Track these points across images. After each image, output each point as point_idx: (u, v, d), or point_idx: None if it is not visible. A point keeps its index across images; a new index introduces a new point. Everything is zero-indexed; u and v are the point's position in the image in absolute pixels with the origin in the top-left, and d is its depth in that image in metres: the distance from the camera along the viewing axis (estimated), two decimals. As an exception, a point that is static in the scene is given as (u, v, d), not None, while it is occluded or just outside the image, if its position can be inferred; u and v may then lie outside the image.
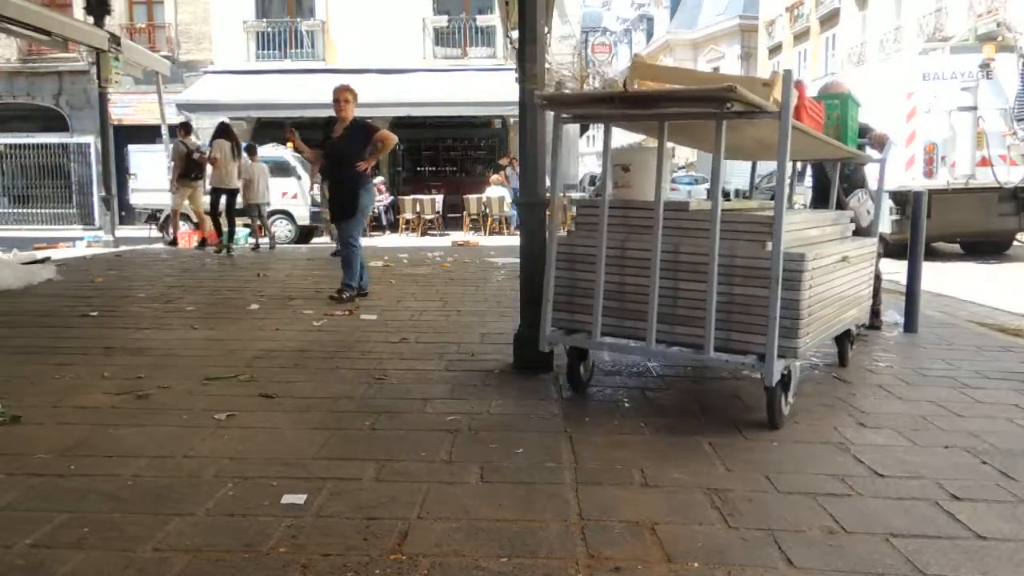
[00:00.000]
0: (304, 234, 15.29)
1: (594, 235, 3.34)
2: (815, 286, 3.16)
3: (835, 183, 4.63)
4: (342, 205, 6.30)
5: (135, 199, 16.53)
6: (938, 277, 8.20)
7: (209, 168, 10.97)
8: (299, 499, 2.33)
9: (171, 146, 12.18)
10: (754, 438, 2.94)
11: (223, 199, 10.86)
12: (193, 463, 2.65)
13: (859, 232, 4.54)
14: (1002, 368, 4.14)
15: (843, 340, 4.07)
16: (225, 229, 10.96)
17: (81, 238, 13.65)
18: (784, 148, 2.87)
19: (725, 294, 3.09)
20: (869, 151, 4.87)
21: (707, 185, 19.34)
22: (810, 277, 3.07)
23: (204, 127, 21.05)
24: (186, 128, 11.74)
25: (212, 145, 10.87)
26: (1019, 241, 11.78)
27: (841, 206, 4.78)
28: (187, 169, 11.37)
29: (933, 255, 9.94)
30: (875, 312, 5.09)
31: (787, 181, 4.04)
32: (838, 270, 3.52)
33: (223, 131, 11.10)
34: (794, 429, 3.07)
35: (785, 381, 3.07)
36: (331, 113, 6.46)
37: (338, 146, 6.20)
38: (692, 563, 1.97)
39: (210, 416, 3.16)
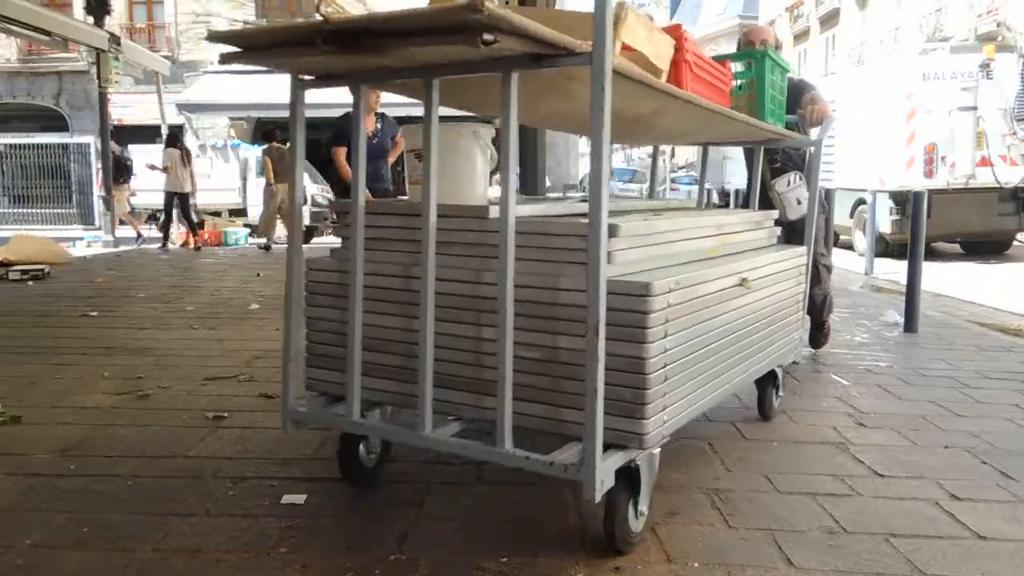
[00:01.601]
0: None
1: (376, 252, 2.30)
2: (679, 331, 2.08)
3: (757, 173, 3.68)
4: None
5: (135, 199, 16.52)
6: (938, 277, 8.20)
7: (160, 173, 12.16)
8: (299, 499, 2.33)
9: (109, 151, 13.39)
10: (754, 438, 2.94)
11: (175, 202, 12.00)
12: (193, 463, 2.65)
13: (786, 227, 3.58)
14: (1002, 368, 4.14)
15: (765, 385, 3.13)
16: (184, 228, 12.27)
17: (81, 238, 13.65)
18: (599, 113, 1.69)
19: (544, 348, 2.03)
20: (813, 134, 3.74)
21: (708, 185, 19.29)
22: (662, 319, 1.98)
23: (204, 127, 21.10)
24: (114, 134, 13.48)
25: (164, 153, 12.01)
26: (1019, 241, 11.79)
27: (767, 198, 3.88)
28: (117, 174, 12.97)
29: (933, 255, 9.95)
30: (819, 326, 4.35)
31: (644, 171, 3.80)
32: (734, 299, 2.48)
33: (172, 140, 12.24)
34: (794, 429, 3.07)
35: (631, 484, 2.00)
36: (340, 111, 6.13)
37: (372, 143, 5.95)
38: (692, 563, 1.97)
39: (210, 416, 3.16)
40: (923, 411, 3.32)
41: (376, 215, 2.32)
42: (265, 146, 12.17)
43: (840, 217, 10.36)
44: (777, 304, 2.94)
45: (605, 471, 1.85)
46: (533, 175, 5.30)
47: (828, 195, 8.04)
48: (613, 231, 1.98)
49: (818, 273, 4.09)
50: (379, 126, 6.05)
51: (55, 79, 21.75)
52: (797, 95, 3.57)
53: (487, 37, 1.56)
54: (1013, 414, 3.30)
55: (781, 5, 30.96)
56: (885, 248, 10.39)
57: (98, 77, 12.70)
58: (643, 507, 2.06)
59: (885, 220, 10.49)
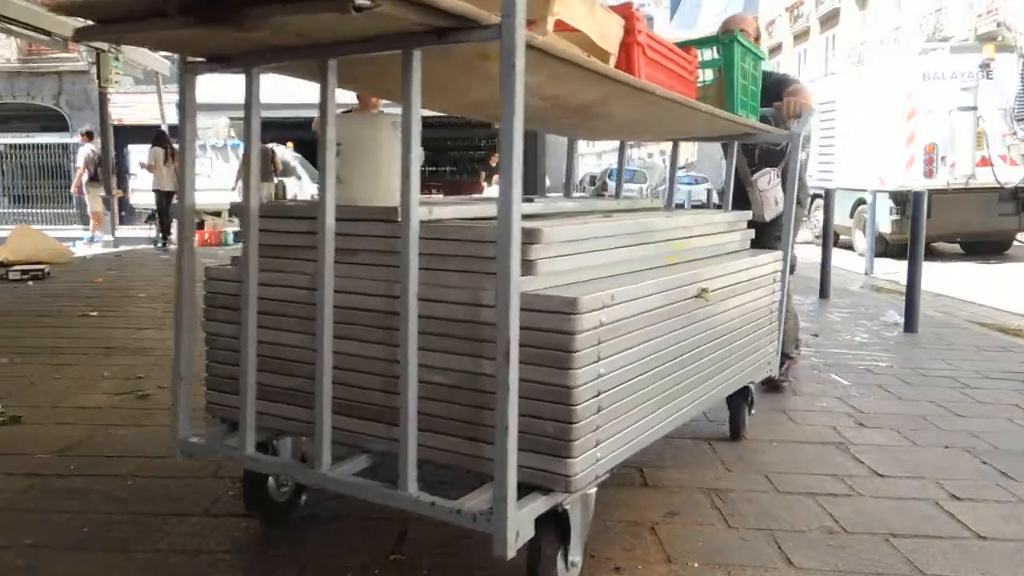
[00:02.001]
0: None
1: (279, 261, 2.02)
2: (618, 352, 1.80)
3: (730, 170, 3.48)
4: None
5: (135, 199, 16.54)
6: (938, 277, 8.20)
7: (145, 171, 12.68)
8: (299, 499, 2.33)
9: (81, 151, 13.63)
10: (754, 438, 2.94)
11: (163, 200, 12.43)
12: (193, 463, 2.64)
13: (759, 228, 3.22)
14: (1002, 368, 4.14)
15: (737, 403, 2.89)
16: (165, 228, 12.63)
17: (81, 238, 13.64)
18: (510, 96, 1.41)
19: (461, 373, 1.76)
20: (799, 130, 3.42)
21: (708, 185, 19.34)
22: (593, 340, 1.69)
23: (204, 127, 21.08)
24: (89, 135, 13.52)
25: (149, 152, 12.42)
26: (1019, 241, 11.79)
27: (744, 195, 3.64)
28: (93, 173, 13.23)
29: (933, 255, 9.95)
30: (783, 361, 3.62)
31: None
32: (692, 311, 2.19)
33: (158, 139, 12.54)
34: (794, 429, 3.07)
35: (560, 531, 1.73)
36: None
37: None
38: (692, 563, 1.97)
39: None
40: (923, 411, 3.32)
41: (278, 218, 2.03)
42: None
43: (840, 217, 10.36)
44: (748, 315, 2.65)
45: (522, 520, 1.57)
46: (533, 176, 5.30)
47: (828, 194, 8.08)
48: (533, 236, 1.70)
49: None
50: None
51: (55, 79, 21.74)
52: (779, 90, 3.38)
53: (359, 1, 1.26)
54: (1013, 414, 3.30)
55: (781, 5, 30.96)
56: (885, 248, 10.39)
57: (98, 77, 12.71)
58: (575, 557, 1.76)
59: (885, 220, 10.49)
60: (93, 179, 13.25)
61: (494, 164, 17.57)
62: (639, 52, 2.10)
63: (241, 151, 16.99)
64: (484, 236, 1.75)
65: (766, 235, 3.42)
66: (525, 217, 1.74)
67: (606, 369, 1.76)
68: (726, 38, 2.89)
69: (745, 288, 2.62)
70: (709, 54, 2.86)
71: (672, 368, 2.11)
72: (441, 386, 1.78)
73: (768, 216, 3.54)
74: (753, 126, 2.95)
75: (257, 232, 1.90)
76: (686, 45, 2.70)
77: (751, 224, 3.03)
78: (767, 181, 3.60)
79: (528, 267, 1.69)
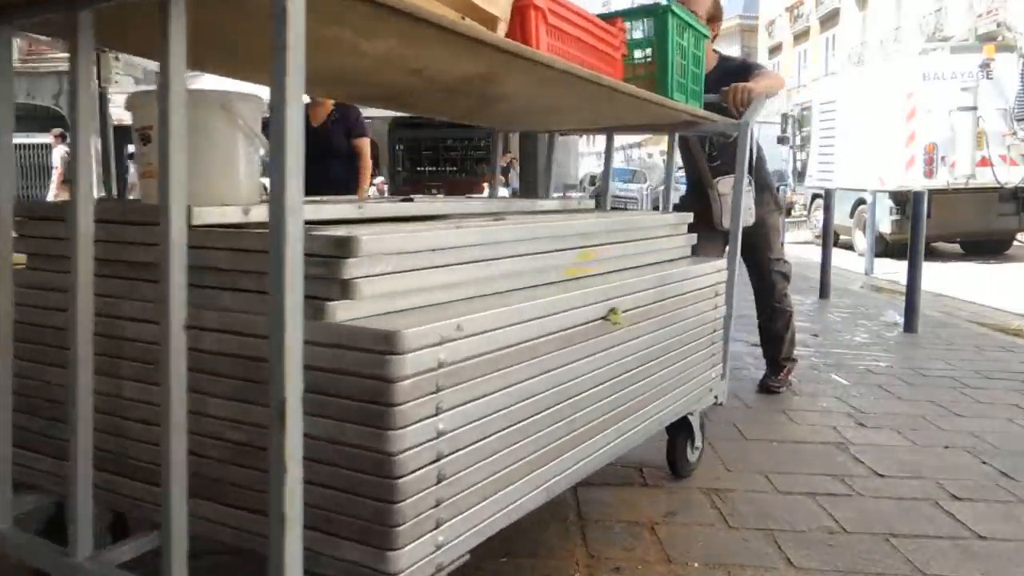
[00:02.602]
0: None
1: (48, 275, 1.60)
2: (475, 399, 1.40)
3: (670, 165, 3.12)
4: None
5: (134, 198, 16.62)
6: (938, 277, 8.20)
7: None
8: None
9: (57, 152, 13.85)
10: (754, 438, 2.94)
11: None
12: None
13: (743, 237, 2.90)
14: (1002, 368, 4.14)
15: (676, 436, 2.49)
16: None
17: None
18: (280, 50, 1.02)
19: (254, 429, 1.34)
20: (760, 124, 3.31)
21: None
22: (429, 387, 1.29)
23: (204, 127, 21.11)
24: (63, 136, 14.07)
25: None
26: (1019, 241, 11.79)
27: (701, 195, 3.36)
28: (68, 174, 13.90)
29: (933, 255, 9.96)
30: (776, 365, 3.62)
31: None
32: (597, 337, 1.80)
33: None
34: (794, 429, 3.07)
35: None
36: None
37: (321, 137, 4.78)
38: (692, 563, 1.97)
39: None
40: (923, 411, 3.32)
41: (45, 221, 1.61)
42: None
43: (840, 217, 10.36)
44: (684, 335, 2.25)
45: None
46: (533, 176, 5.29)
47: (828, 194, 8.08)
48: (347, 248, 1.27)
49: (773, 285, 3.53)
50: (335, 117, 4.84)
51: (55, 79, 21.74)
52: (741, 77, 3.06)
53: None
54: (1013, 414, 3.30)
55: (781, 5, 30.97)
56: (885, 248, 10.39)
57: (98, 77, 12.75)
58: None
59: (885, 220, 10.49)
60: (66, 181, 13.60)
61: (505, 164, 17.57)
62: (537, 18, 1.72)
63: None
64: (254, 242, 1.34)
65: (747, 245, 3.11)
66: (349, 223, 1.47)
67: (450, 424, 1.32)
68: (659, 7, 2.40)
69: (679, 304, 2.20)
70: (640, 32, 2.43)
71: (562, 412, 1.66)
72: (228, 444, 1.37)
73: (729, 224, 3.01)
74: (693, 113, 2.50)
75: (10, 238, 1.40)
76: (612, 16, 2.29)
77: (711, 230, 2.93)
78: (731, 184, 3.11)
79: (345, 289, 1.28)
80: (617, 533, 2.13)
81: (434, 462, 1.31)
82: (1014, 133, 10.28)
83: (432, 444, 1.30)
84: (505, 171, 17.41)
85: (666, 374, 2.18)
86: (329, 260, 1.28)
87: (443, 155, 22.13)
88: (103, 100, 14.26)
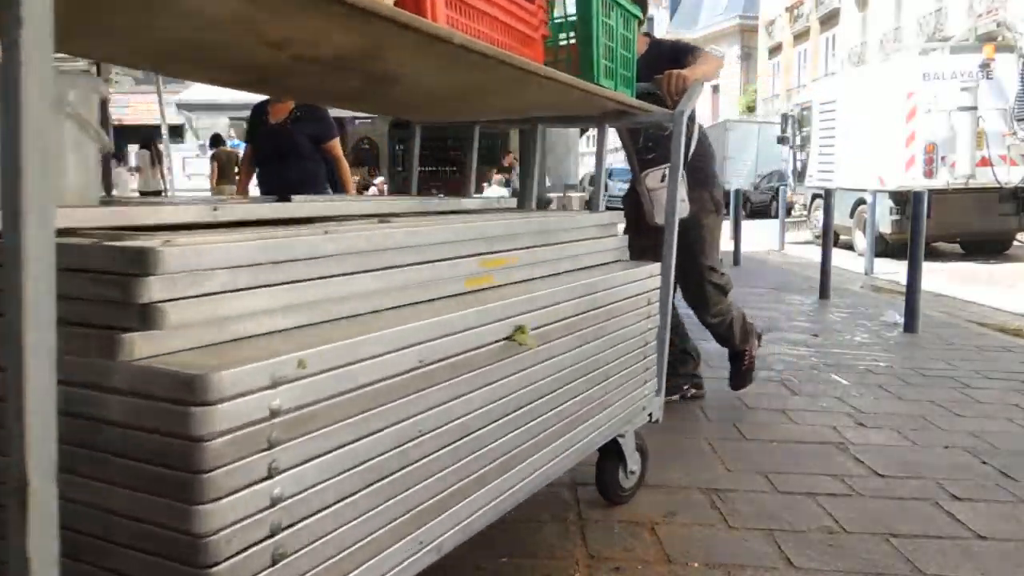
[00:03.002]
0: None
1: None
2: (315, 457, 1.09)
3: (601, 160, 2.87)
4: None
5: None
6: (938, 277, 8.20)
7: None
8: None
9: None
10: (754, 438, 2.94)
11: None
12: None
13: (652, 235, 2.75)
14: (1002, 368, 4.14)
15: (606, 460, 2.24)
16: None
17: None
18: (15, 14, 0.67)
19: None
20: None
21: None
22: (255, 443, 0.99)
23: (204, 127, 21.11)
24: None
25: (136, 155, 13.20)
26: (1019, 241, 11.79)
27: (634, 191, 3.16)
28: None
29: (933, 255, 9.96)
30: (737, 356, 3.43)
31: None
32: (501, 360, 1.52)
33: (145, 142, 13.08)
34: (794, 429, 3.07)
35: None
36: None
37: (281, 135, 4.31)
38: (692, 563, 1.97)
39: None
40: (923, 411, 3.32)
41: None
42: (213, 151, 13.12)
43: (840, 217, 10.37)
44: (613, 350, 2.00)
45: None
46: (531, 174, 5.29)
47: (828, 194, 8.07)
48: (143, 262, 0.98)
49: (706, 300, 3.24)
50: (297, 115, 4.30)
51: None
52: (679, 61, 2.82)
53: None
54: (1013, 414, 3.30)
55: (781, 5, 30.97)
56: (885, 248, 10.39)
57: (98, 76, 12.76)
58: None
59: (885, 220, 10.49)
60: None
61: (507, 164, 17.54)
62: None
63: (242, 151, 17.05)
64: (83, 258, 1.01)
65: (678, 245, 2.73)
66: (195, 228, 1.21)
67: (291, 488, 1.04)
68: None
69: (607, 315, 1.96)
70: (564, 10, 2.17)
71: (457, 453, 1.38)
72: None
73: (661, 219, 2.77)
74: (623, 102, 2.22)
75: None
76: None
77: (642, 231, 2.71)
78: (660, 178, 2.92)
79: (144, 316, 0.98)
80: (617, 533, 2.13)
81: (268, 538, 1.00)
82: (1014, 133, 10.28)
83: (264, 517, 1.00)
84: (507, 169, 17.40)
85: (590, 395, 1.90)
86: (124, 278, 0.97)
87: (443, 155, 22.16)
88: (103, 100, 14.29)
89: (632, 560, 1.98)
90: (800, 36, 29.41)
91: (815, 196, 13.24)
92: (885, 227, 10.51)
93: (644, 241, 2.87)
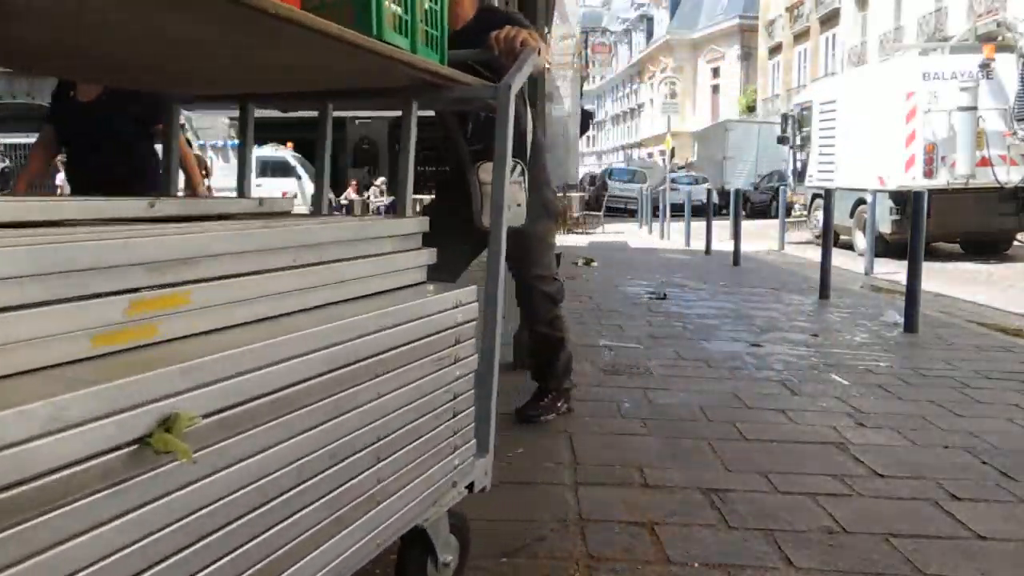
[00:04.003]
0: None
1: None
2: None
3: (407, 152, 1.94)
4: None
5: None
6: (938, 277, 8.21)
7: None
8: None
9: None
10: (754, 438, 2.94)
11: None
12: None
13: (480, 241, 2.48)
14: (1002, 368, 4.14)
15: (409, 551, 1.68)
16: None
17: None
18: None
19: None
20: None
21: (708, 185, 19.40)
22: None
23: (204, 127, 21.11)
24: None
25: None
26: (1019, 241, 11.79)
27: (455, 189, 2.77)
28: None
29: (933, 255, 9.97)
30: (541, 393, 3.11)
31: None
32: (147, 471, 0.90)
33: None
34: (794, 429, 3.07)
35: None
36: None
37: (93, 117, 3.37)
38: (692, 563, 1.97)
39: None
40: (923, 411, 3.32)
41: None
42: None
43: (840, 217, 10.37)
44: (396, 415, 1.44)
45: None
46: (533, 176, 5.31)
47: (828, 194, 8.05)
48: None
49: (535, 310, 2.97)
50: (112, 91, 3.25)
51: (55, 79, 21.75)
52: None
53: None
54: (1013, 414, 3.30)
55: (781, 5, 30.98)
56: (885, 248, 10.40)
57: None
58: None
59: (885, 220, 10.50)
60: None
61: None
62: None
63: (232, 151, 17.06)
64: None
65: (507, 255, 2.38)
66: None
67: None
68: None
69: (383, 367, 1.39)
70: None
71: None
72: None
73: (487, 222, 2.23)
74: (423, 68, 1.62)
75: None
76: None
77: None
78: (488, 172, 2.50)
79: None
80: (617, 533, 2.13)
81: None
82: (1014, 133, 10.29)
83: None
84: None
85: (350, 491, 1.32)
86: None
87: (443, 155, 22.14)
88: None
89: (632, 560, 1.98)
90: (800, 36, 29.42)
91: (815, 196, 13.24)
92: (885, 227, 10.51)
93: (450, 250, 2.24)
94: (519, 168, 2.62)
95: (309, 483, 1.22)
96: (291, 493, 1.18)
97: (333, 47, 1.34)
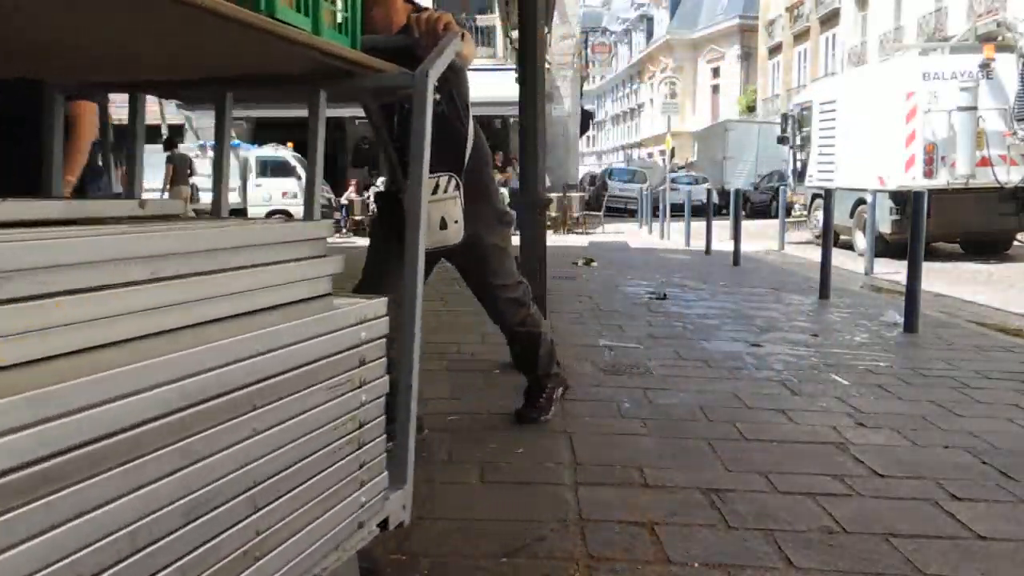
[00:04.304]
0: None
1: None
2: None
3: (315, 150, 1.69)
4: None
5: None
6: (938, 277, 8.21)
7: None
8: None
9: None
10: (754, 438, 2.94)
11: None
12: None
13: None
14: (1002, 368, 4.14)
15: None
16: None
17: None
18: None
19: None
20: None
21: (708, 185, 19.40)
22: None
23: (204, 127, 21.10)
24: None
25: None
26: (1019, 241, 11.79)
27: (390, 203, 2.59)
28: None
29: (933, 255, 9.97)
30: (529, 385, 3.07)
31: None
32: None
33: (168, 147, 13.50)
34: (794, 429, 3.07)
35: None
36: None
37: None
38: (692, 563, 1.97)
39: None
40: (923, 411, 3.32)
41: None
42: (168, 153, 13.26)
43: (840, 217, 10.37)
44: (281, 453, 1.25)
45: None
46: (533, 175, 5.31)
47: (828, 194, 8.05)
48: None
49: (502, 315, 2.86)
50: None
51: (55, 79, 21.74)
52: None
53: None
54: (1013, 414, 3.30)
55: (781, 5, 30.97)
56: (885, 248, 10.40)
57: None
58: None
59: (885, 220, 10.50)
60: None
61: (499, 163, 17.63)
62: None
63: (241, 151, 17.07)
64: None
65: (459, 268, 2.57)
66: None
67: None
68: None
69: (278, 392, 1.23)
70: None
71: None
72: None
73: (437, 240, 2.32)
74: (321, 48, 1.43)
75: None
76: None
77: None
78: (431, 189, 2.32)
79: None
80: (617, 533, 2.13)
81: None
82: (1014, 133, 10.29)
83: None
84: (503, 169, 17.46)
85: (224, 545, 1.12)
86: None
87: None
88: (103, 100, 14.39)
89: (632, 560, 1.98)
90: (800, 36, 29.41)
91: (815, 196, 13.24)
92: (885, 227, 10.51)
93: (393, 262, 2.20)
94: (453, 182, 2.42)
95: (157, 546, 0.99)
96: (131, 560, 0.95)
97: (207, 23, 1.16)
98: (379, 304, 1.54)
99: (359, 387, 1.46)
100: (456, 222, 2.41)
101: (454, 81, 2.42)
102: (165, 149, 13.50)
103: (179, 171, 12.98)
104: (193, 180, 13.93)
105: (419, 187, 1.70)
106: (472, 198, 2.52)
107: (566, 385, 3.26)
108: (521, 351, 3.04)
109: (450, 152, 2.39)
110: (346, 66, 1.57)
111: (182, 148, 14.55)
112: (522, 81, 4.07)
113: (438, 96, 2.03)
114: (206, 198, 14.70)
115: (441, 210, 2.39)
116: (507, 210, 2.86)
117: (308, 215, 1.68)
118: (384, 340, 1.55)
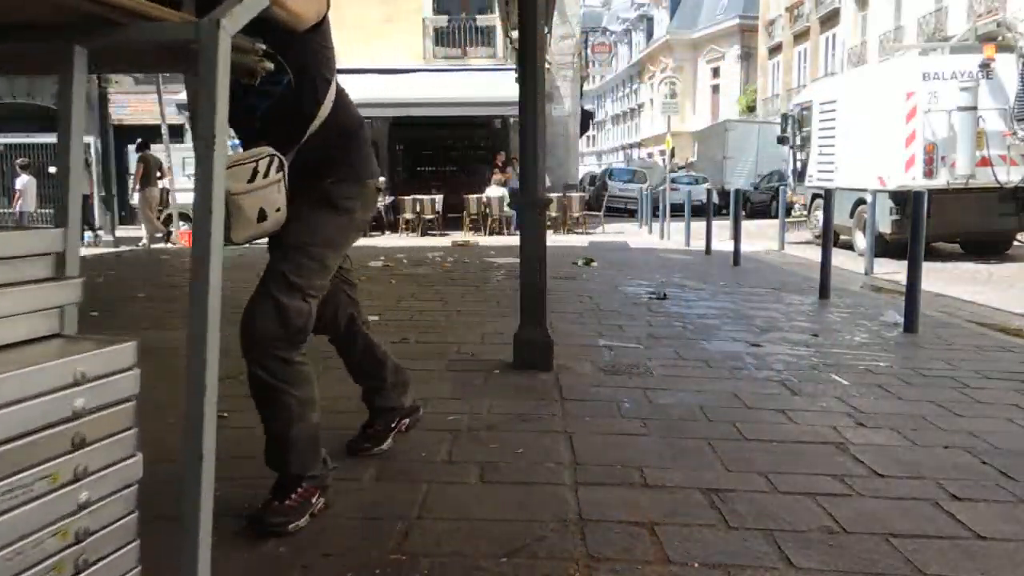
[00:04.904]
0: None
1: None
2: None
3: (68, 138, 1.41)
4: None
5: (135, 199, 16.60)
6: (938, 277, 8.20)
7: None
8: (299, 499, 2.31)
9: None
10: (754, 438, 2.94)
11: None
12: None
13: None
14: (1002, 368, 4.14)
15: None
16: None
17: (81, 238, 13.78)
18: None
19: None
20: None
21: (708, 185, 19.38)
22: None
23: (204, 127, 21.14)
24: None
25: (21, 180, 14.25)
26: (1019, 241, 11.79)
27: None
28: None
29: (933, 255, 9.97)
30: (277, 482, 2.15)
31: None
32: None
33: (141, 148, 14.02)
34: (794, 429, 3.07)
35: None
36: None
37: None
38: (692, 563, 1.97)
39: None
40: (923, 411, 3.32)
41: None
42: (139, 153, 13.70)
43: (840, 217, 10.37)
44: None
45: None
46: (533, 175, 5.31)
47: (828, 194, 8.04)
48: None
49: (253, 332, 2.23)
50: None
51: (55, 79, 21.72)
52: None
53: None
54: (1013, 414, 3.30)
55: (781, 5, 30.96)
56: (885, 248, 10.40)
57: (98, 77, 12.78)
58: None
59: (885, 220, 10.50)
60: None
61: (499, 163, 17.67)
62: None
63: (240, 150, 17.05)
64: None
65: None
66: None
67: None
68: None
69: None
70: None
71: None
72: None
73: (238, 237, 1.91)
74: None
75: None
76: None
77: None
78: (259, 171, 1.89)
79: None
80: (617, 533, 2.13)
81: None
82: (1014, 133, 10.28)
83: None
84: (503, 169, 17.46)
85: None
86: None
87: (443, 155, 22.18)
88: (103, 100, 14.45)
89: (632, 560, 1.98)
90: (800, 36, 29.40)
91: (815, 196, 13.24)
92: (885, 227, 10.51)
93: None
94: (276, 162, 1.94)
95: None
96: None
97: None
98: (116, 353, 1.03)
99: (75, 482, 0.99)
100: (278, 210, 1.94)
101: (301, 47, 1.88)
102: (137, 150, 13.86)
103: (149, 172, 13.25)
104: (163, 183, 14.05)
105: (209, 171, 1.24)
106: (312, 203, 2.04)
107: (324, 490, 2.18)
108: (266, 419, 2.13)
109: (282, 125, 1.94)
110: (106, 12, 1.12)
111: (184, 147, 14.55)
112: (522, 81, 4.07)
113: (271, 65, 1.59)
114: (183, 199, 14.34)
115: (260, 201, 1.90)
116: (352, 196, 2.17)
117: (60, 220, 1.21)
118: (127, 405, 1.09)
